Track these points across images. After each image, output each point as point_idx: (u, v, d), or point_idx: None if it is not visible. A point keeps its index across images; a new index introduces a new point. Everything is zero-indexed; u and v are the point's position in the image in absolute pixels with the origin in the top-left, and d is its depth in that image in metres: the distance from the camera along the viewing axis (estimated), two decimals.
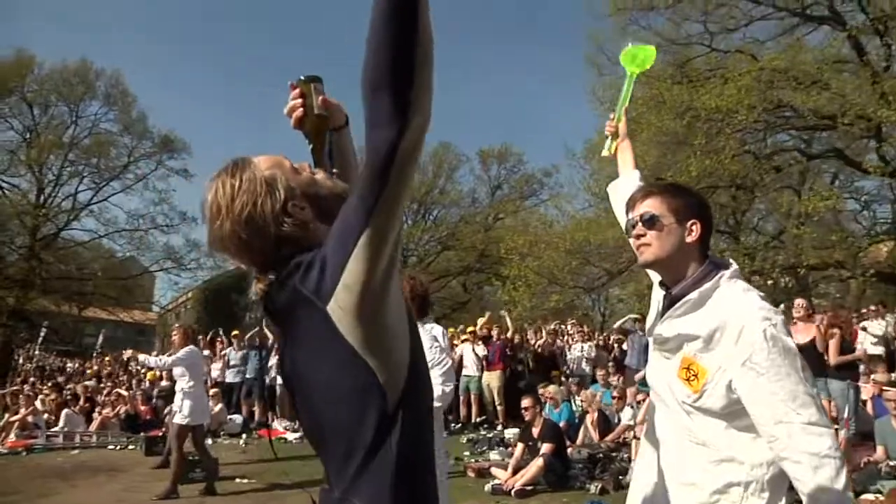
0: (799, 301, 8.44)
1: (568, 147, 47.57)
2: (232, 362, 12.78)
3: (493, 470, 7.35)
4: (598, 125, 23.16)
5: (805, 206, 14.99)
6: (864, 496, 5.54)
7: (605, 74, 20.79)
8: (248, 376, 12.58)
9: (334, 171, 1.66)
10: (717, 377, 1.92)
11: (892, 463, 6.04)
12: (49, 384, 15.34)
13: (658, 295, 2.22)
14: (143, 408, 11.99)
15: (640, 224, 2.06)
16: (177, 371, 7.38)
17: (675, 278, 2.07)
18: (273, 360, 12.97)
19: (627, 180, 2.71)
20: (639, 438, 7.46)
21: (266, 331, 13.59)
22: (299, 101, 1.66)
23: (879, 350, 9.33)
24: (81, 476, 8.14)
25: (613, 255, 19.05)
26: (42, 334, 23.56)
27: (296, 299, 1.36)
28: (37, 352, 23.24)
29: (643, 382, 10.51)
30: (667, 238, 2.03)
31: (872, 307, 10.89)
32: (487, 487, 6.90)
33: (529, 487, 6.76)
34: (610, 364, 12.21)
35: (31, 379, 17.82)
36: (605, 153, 2.93)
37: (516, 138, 71.25)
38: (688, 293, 2.00)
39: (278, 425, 12.39)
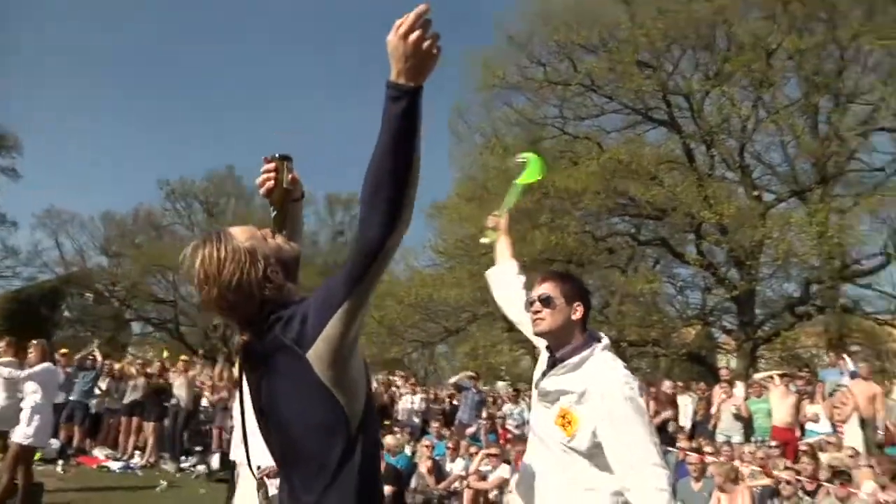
0: None
1: (418, 205, 48.66)
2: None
3: None
4: (449, 188, 24.18)
5: (633, 286, 16.58)
6: None
7: (462, 142, 22.01)
8: (71, 398, 11.75)
9: (283, 231, 1.99)
10: (586, 425, 2.44)
11: None
12: None
13: (544, 357, 2.73)
14: None
15: (537, 302, 2.61)
16: (29, 387, 6.93)
17: (559, 345, 2.61)
18: (100, 384, 12.33)
19: (505, 269, 3.21)
20: (471, 488, 8.00)
21: (97, 353, 12.96)
22: (272, 175, 1.98)
23: (684, 422, 10.57)
24: None
25: (454, 314, 19.91)
26: None
27: (276, 346, 1.70)
28: None
29: (474, 437, 11.10)
30: (558, 315, 2.58)
31: (680, 384, 12.26)
32: None
33: None
34: (439, 417, 12.70)
35: None
36: (483, 241, 3.39)
37: None
38: (569, 358, 2.54)
39: (99, 453, 11.73)
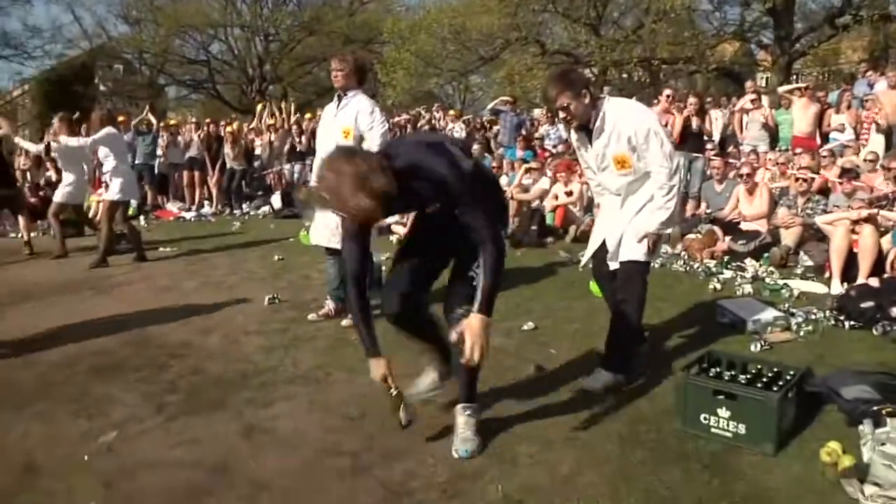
0: (668, 90, 9.85)
1: None
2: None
3: (394, 227, 8.36)
4: None
5: (665, 2, 16.05)
6: (688, 236, 7.21)
7: None
8: (137, 161, 12.65)
9: None
10: (628, 150, 3.45)
11: (707, 210, 7.79)
12: None
13: (574, 136, 3.69)
14: (33, 200, 11.57)
15: (561, 112, 3.45)
16: (101, 152, 7.73)
17: (586, 121, 3.47)
18: (161, 146, 13.19)
19: None
20: (514, 199, 8.74)
21: (150, 117, 13.63)
22: None
23: (716, 135, 11.03)
24: (7, 259, 8.22)
25: (487, 40, 19.75)
26: None
27: None
28: None
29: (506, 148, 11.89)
30: (577, 109, 3.41)
31: (709, 99, 12.52)
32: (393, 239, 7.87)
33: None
34: (481, 142, 13.27)
35: None
36: None
37: None
38: (596, 124, 3.45)
39: (172, 207, 12.91)
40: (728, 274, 6.22)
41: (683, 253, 6.96)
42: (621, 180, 3.56)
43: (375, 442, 3.05)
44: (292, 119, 14.15)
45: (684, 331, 4.57)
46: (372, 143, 4.58)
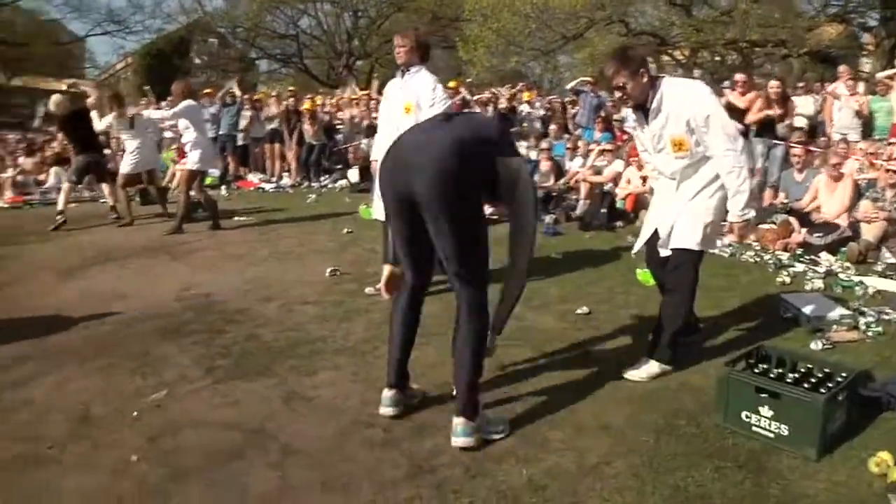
0: (739, 75, 9.42)
1: None
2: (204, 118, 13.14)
3: None
4: None
5: None
6: (761, 226, 6.92)
7: None
8: (221, 132, 13.09)
9: None
10: (686, 134, 3.34)
11: (784, 200, 7.41)
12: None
13: (631, 116, 3.59)
14: None
15: (617, 91, 3.41)
16: (181, 124, 8.01)
17: (644, 100, 3.39)
18: (244, 118, 13.55)
19: None
20: (586, 181, 8.64)
21: (236, 89, 14.01)
22: None
23: (803, 123, 10.46)
24: (91, 223, 8.72)
25: (570, 19, 19.35)
26: None
27: None
28: None
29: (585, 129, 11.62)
30: (634, 89, 3.35)
31: (801, 84, 11.87)
32: None
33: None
34: (560, 121, 13.00)
35: None
36: None
37: None
38: (653, 104, 3.36)
39: (253, 178, 13.29)
40: (800, 267, 5.95)
41: (755, 243, 6.69)
42: (677, 163, 3.45)
43: (409, 416, 3.09)
44: (373, 94, 14.31)
45: (743, 324, 4.40)
46: None
